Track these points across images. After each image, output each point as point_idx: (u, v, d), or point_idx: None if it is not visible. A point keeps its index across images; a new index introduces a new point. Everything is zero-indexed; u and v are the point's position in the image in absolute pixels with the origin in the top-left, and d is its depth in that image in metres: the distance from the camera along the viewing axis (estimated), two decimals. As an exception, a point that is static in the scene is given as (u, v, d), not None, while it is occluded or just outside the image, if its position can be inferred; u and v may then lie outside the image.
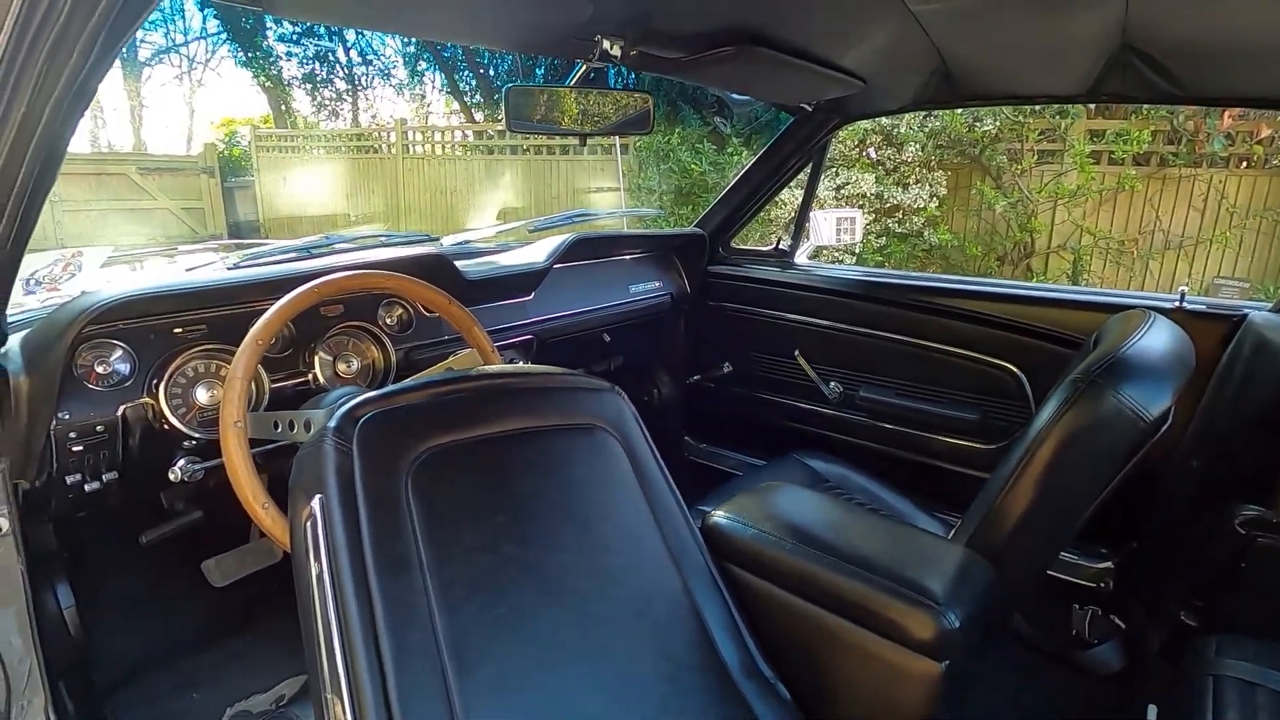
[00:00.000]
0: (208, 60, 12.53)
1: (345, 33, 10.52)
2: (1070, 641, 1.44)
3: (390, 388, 0.91)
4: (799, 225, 1.98)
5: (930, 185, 4.92)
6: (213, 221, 9.27)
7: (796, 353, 1.88)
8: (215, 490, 1.20)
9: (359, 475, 0.78)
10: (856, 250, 4.82)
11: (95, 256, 1.47)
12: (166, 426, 1.11)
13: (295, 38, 10.45)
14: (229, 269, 1.34)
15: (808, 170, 1.91)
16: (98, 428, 1.06)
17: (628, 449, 1.02)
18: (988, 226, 5.03)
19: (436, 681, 0.72)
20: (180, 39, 11.92)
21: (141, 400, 1.09)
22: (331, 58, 10.87)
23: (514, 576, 0.84)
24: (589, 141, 5.99)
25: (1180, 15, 1.08)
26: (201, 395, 1.14)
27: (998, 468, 0.98)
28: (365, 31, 10.10)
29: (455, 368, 1.19)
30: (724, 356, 2.06)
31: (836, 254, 4.65)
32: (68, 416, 1.03)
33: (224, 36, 11.35)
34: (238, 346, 1.02)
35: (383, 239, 1.64)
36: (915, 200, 4.89)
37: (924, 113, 4.77)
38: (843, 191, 4.95)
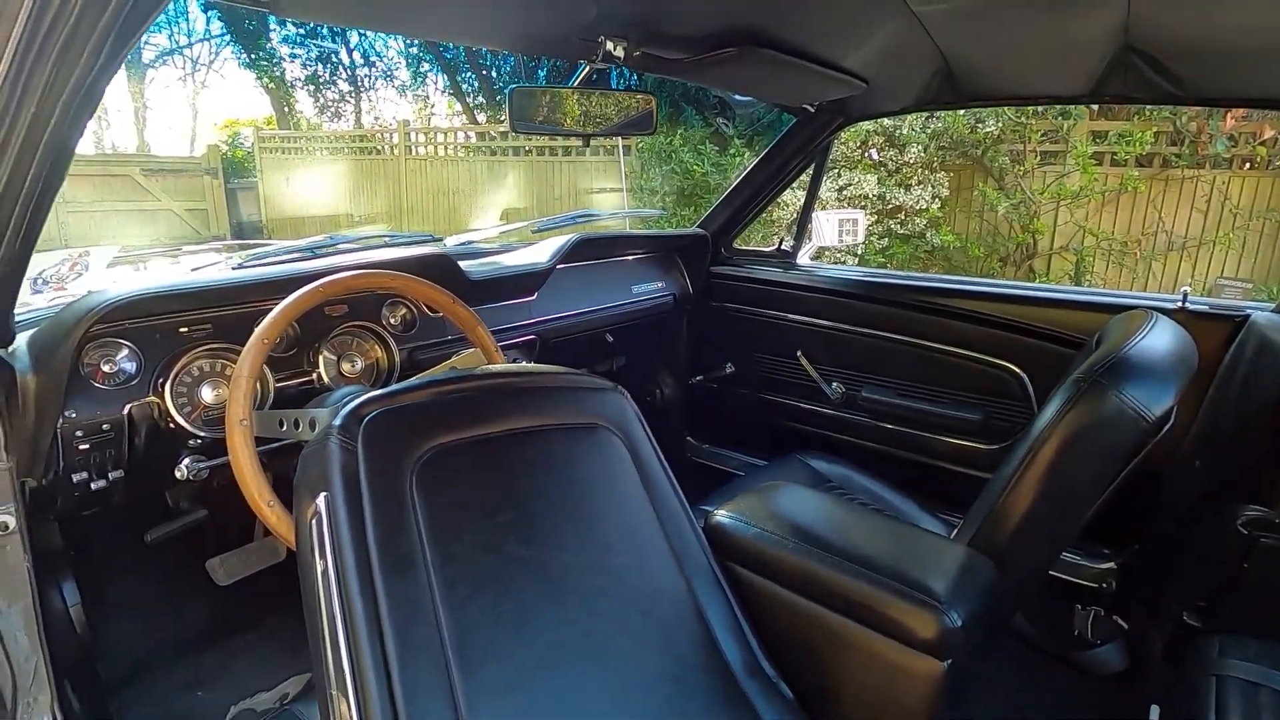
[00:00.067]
0: (211, 62, 12.59)
1: (348, 34, 10.55)
2: (1073, 642, 1.44)
3: (395, 386, 0.92)
4: (801, 226, 1.99)
5: (932, 186, 4.92)
6: (216, 222, 9.30)
7: (799, 353, 1.89)
8: (219, 489, 1.21)
9: (364, 473, 0.79)
10: (859, 251, 4.82)
11: (102, 256, 1.48)
12: (172, 425, 1.12)
13: (299, 39, 10.48)
14: (234, 269, 1.34)
15: (810, 171, 1.92)
16: (104, 426, 1.06)
17: (631, 448, 1.02)
18: (990, 228, 5.03)
19: (441, 678, 0.72)
20: (184, 41, 11.98)
21: (147, 399, 1.10)
22: (334, 59, 10.91)
23: (518, 575, 0.84)
24: (592, 143, 5.99)
25: (1182, 16, 1.08)
26: (207, 394, 1.15)
27: (1000, 467, 0.98)
28: (368, 33, 10.12)
29: (459, 367, 1.19)
30: (726, 357, 2.06)
31: (839, 255, 4.65)
32: (74, 415, 1.03)
33: (228, 38, 11.39)
34: (243, 346, 1.02)
35: (386, 239, 1.65)
36: (917, 201, 4.89)
37: (926, 114, 4.77)
38: (845, 193, 4.95)
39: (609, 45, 1.18)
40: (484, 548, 0.84)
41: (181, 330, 1.14)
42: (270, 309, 1.06)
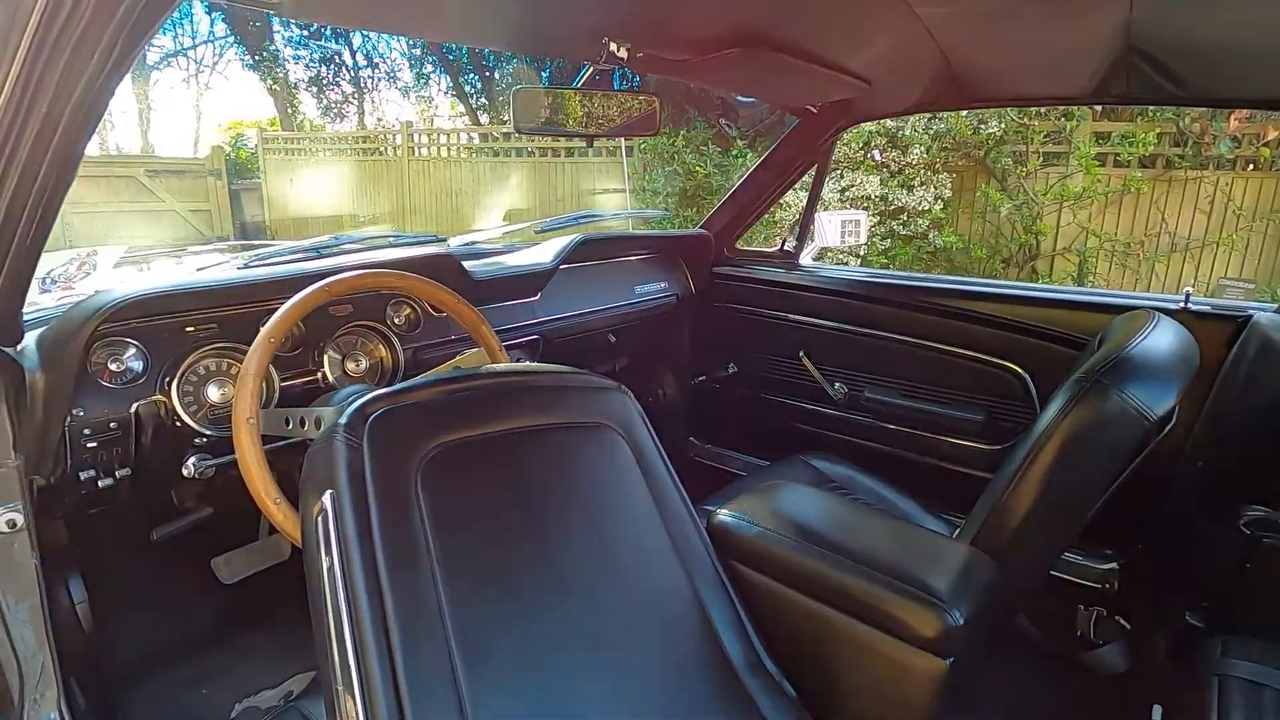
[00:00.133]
0: (215, 64, 12.63)
1: (351, 36, 10.59)
2: (1075, 642, 1.44)
3: (400, 385, 0.92)
4: (804, 227, 1.99)
5: (935, 187, 4.92)
6: (219, 223, 9.32)
7: (801, 354, 1.89)
8: (224, 488, 1.21)
9: (369, 471, 0.79)
10: (861, 253, 4.82)
11: (109, 256, 1.49)
12: (178, 424, 1.12)
13: (302, 41, 10.52)
14: (240, 269, 1.35)
15: (812, 172, 1.92)
16: (111, 424, 1.07)
17: (634, 448, 1.02)
18: (993, 229, 5.02)
19: (445, 673, 0.73)
20: (188, 42, 12.02)
21: (154, 398, 1.11)
22: (337, 61, 10.94)
23: (522, 571, 0.85)
24: (594, 143, 6.01)
25: (1185, 16, 1.09)
26: (213, 393, 1.16)
27: (1002, 466, 0.99)
28: (372, 34, 10.15)
29: (463, 366, 1.20)
30: (729, 357, 2.07)
31: (841, 256, 4.65)
32: (82, 413, 1.04)
33: (231, 40, 11.44)
34: (248, 345, 1.03)
35: (391, 239, 1.66)
36: (920, 202, 4.89)
37: (929, 115, 4.77)
38: (847, 194, 4.95)
39: (613, 46, 1.19)
40: (489, 545, 0.85)
41: (188, 330, 1.15)
42: (276, 308, 1.06)
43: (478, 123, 9.41)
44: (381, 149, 8.92)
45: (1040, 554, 1.02)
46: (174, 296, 1.14)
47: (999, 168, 4.85)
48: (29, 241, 0.78)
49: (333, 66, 10.96)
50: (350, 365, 1.30)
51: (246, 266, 1.37)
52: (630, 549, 0.96)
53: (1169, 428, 0.97)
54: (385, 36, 9.97)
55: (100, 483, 1.08)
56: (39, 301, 1.23)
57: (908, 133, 4.88)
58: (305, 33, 10.25)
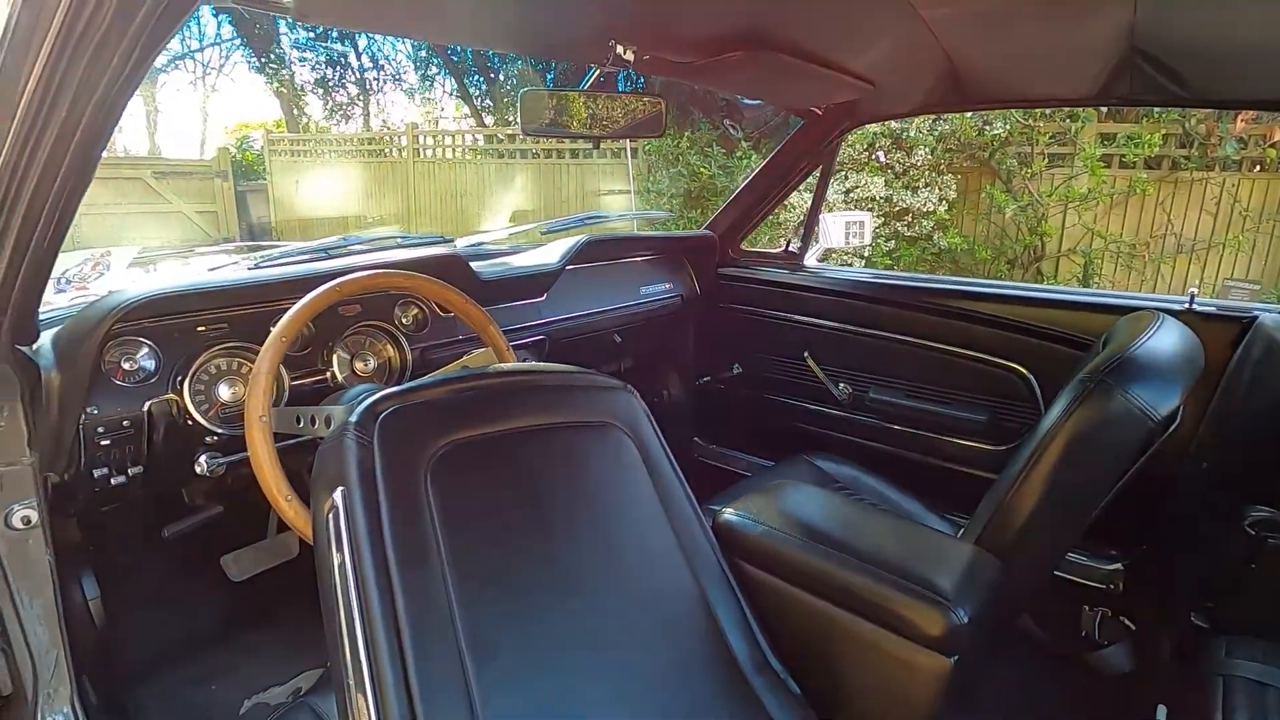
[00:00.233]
0: (221, 66, 12.68)
1: (357, 38, 10.63)
2: (1080, 643, 1.44)
3: (409, 384, 0.93)
4: (808, 228, 1.99)
5: (940, 189, 4.92)
6: (226, 225, 9.36)
7: (806, 354, 1.89)
8: (235, 486, 1.23)
9: (380, 469, 0.80)
10: (866, 254, 4.82)
11: (122, 257, 1.50)
12: (190, 422, 1.14)
13: (308, 43, 10.57)
14: (250, 269, 1.36)
15: (817, 174, 1.93)
16: (124, 423, 1.08)
17: (641, 447, 1.03)
18: (998, 230, 5.02)
19: (455, 671, 0.73)
20: (195, 45, 12.07)
21: (166, 396, 1.12)
22: (343, 63, 10.98)
23: (530, 569, 0.86)
24: (600, 145, 6.02)
25: (1190, 18, 1.09)
26: (224, 392, 1.17)
27: (1006, 466, 0.99)
28: (378, 36, 10.19)
29: (470, 366, 1.21)
30: (734, 358, 2.07)
31: (845, 258, 4.65)
32: (96, 411, 1.05)
33: (238, 42, 11.49)
34: (259, 344, 1.04)
35: (398, 240, 1.67)
36: (925, 204, 4.89)
37: (933, 116, 4.76)
38: (852, 195, 4.96)
39: (619, 49, 1.19)
40: (497, 542, 0.85)
41: (200, 329, 1.16)
42: (287, 308, 1.08)
43: (483, 124, 9.43)
44: (387, 151, 8.96)
45: (1044, 554, 1.02)
46: (186, 297, 1.15)
47: (1004, 169, 4.84)
48: (47, 242, 0.79)
49: (338, 69, 11.01)
50: (359, 365, 1.31)
51: (257, 267, 1.38)
52: (636, 548, 0.96)
53: (1173, 428, 0.97)
54: (391, 39, 10.00)
55: (113, 480, 1.10)
56: (54, 301, 1.24)
57: (912, 134, 4.88)
58: (311, 35, 10.30)
